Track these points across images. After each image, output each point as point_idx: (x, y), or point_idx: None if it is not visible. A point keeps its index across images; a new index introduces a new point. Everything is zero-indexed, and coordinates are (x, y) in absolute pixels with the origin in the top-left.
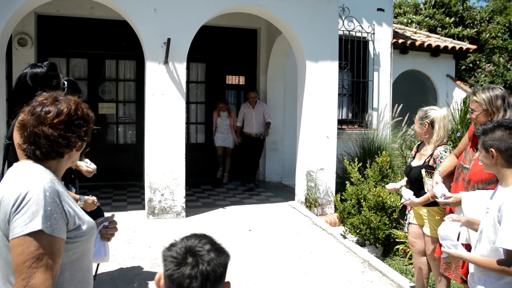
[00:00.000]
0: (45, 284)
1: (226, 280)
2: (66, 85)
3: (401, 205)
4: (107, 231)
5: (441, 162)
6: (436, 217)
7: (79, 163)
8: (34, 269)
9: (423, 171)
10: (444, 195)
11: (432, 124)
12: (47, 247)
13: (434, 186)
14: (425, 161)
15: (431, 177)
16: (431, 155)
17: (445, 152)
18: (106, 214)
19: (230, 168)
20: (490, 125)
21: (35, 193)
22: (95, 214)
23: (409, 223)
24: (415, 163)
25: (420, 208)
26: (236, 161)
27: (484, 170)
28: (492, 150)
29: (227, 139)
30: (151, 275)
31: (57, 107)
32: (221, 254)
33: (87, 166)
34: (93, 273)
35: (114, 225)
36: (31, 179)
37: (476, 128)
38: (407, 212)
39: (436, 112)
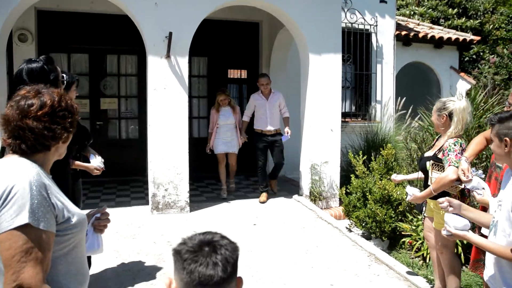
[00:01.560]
0: (35, 278)
1: (238, 276)
2: (64, 79)
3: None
4: (100, 223)
5: (448, 155)
6: (442, 212)
7: (88, 165)
8: (23, 263)
9: (428, 163)
10: (484, 188)
11: (450, 116)
12: (35, 240)
13: (465, 179)
14: (435, 152)
15: (438, 170)
16: (441, 147)
17: (454, 145)
18: (110, 210)
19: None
20: (507, 114)
21: (21, 186)
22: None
23: (424, 216)
24: (427, 153)
25: (430, 201)
26: (239, 156)
27: (495, 160)
28: (507, 139)
29: (230, 142)
30: (156, 270)
31: (40, 100)
32: (232, 242)
33: (95, 167)
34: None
35: (106, 216)
36: (16, 173)
37: (491, 117)
38: (423, 206)
39: (455, 104)
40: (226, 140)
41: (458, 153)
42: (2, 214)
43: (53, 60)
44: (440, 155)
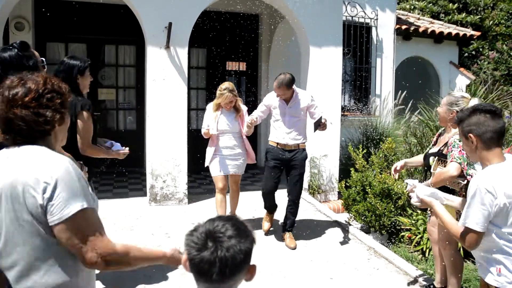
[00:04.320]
0: (109, 245)
1: (252, 263)
2: (44, 63)
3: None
4: None
5: (452, 151)
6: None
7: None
8: (93, 237)
9: (431, 158)
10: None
11: None
12: (94, 218)
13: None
14: (440, 148)
15: (444, 166)
16: (447, 142)
17: (459, 141)
18: (108, 201)
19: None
20: (466, 112)
21: (65, 173)
22: None
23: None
24: (432, 150)
25: None
26: None
27: (470, 160)
28: (471, 135)
29: (235, 158)
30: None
31: (24, 86)
32: (243, 241)
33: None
34: None
35: None
36: (50, 161)
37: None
38: None
39: (469, 103)
40: (228, 155)
41: (462, 149)
42: (55, 204)
43: (28, 46)
44: (445, 151)
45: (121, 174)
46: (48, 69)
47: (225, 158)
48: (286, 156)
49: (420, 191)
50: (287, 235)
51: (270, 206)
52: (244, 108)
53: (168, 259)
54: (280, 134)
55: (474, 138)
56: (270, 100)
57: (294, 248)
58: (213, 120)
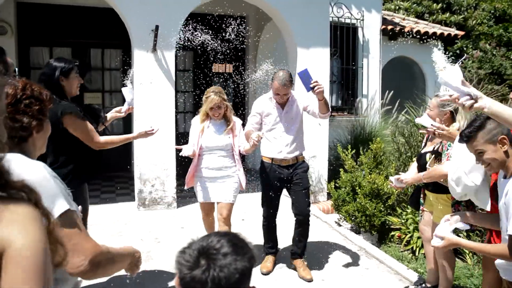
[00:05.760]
0: (96, 247)
1: (251, 285)
2: (17, 72)
3: (411, 193)
4: None
5: (448, 149)
6: (440, 206)
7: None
8: (78, 239)
9: (427, 155)
10: (432, 124)
11: (454, 112)
12: (77, 220)
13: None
14: (434, 146)
15: (439, 162)
16: (441, 141)
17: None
18: (96, 207)
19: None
20: (478, 122)
21: (39, 178)
22: None
23: (423, 210)
24: (426, 149)
25: (430, 195)
26: None
27: (494, 171)
28: (503, 137)
29: (223, 181)
30: (145, 269)
31: None
32: (240, 259)
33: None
34: None
35: None
36: (24, 167)
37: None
38: (421, 201)
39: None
40: (214, 177)
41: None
42: None
43: (3, 52)
44: (440, 149)
45: (108, 179)
46: (32, 74)
47: (212, 182)
48: (285, 174)
49: (440, 231)
50: (300, 263)
51: (270, 239)
52: (238, 121)
53: (134, 260)
54: (276, 147)
55: (506, 138)
56: (262, 106)
57: (311, 280)
58: (198, 134)
